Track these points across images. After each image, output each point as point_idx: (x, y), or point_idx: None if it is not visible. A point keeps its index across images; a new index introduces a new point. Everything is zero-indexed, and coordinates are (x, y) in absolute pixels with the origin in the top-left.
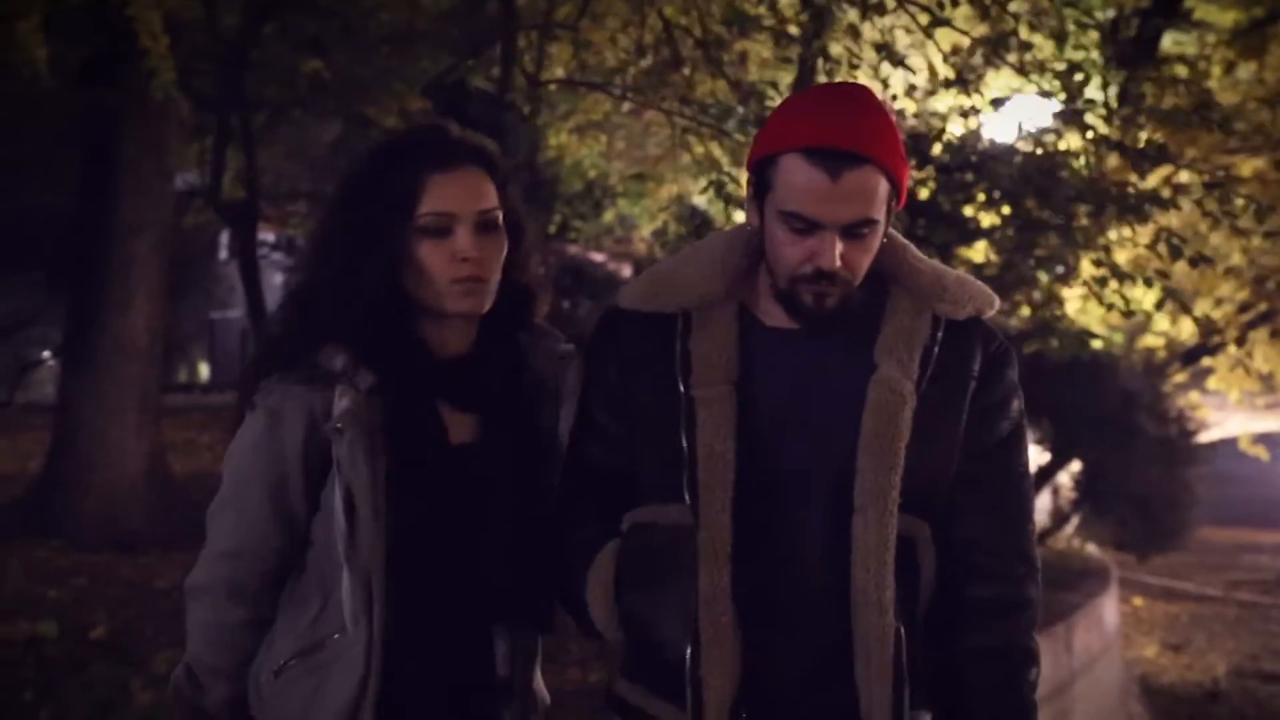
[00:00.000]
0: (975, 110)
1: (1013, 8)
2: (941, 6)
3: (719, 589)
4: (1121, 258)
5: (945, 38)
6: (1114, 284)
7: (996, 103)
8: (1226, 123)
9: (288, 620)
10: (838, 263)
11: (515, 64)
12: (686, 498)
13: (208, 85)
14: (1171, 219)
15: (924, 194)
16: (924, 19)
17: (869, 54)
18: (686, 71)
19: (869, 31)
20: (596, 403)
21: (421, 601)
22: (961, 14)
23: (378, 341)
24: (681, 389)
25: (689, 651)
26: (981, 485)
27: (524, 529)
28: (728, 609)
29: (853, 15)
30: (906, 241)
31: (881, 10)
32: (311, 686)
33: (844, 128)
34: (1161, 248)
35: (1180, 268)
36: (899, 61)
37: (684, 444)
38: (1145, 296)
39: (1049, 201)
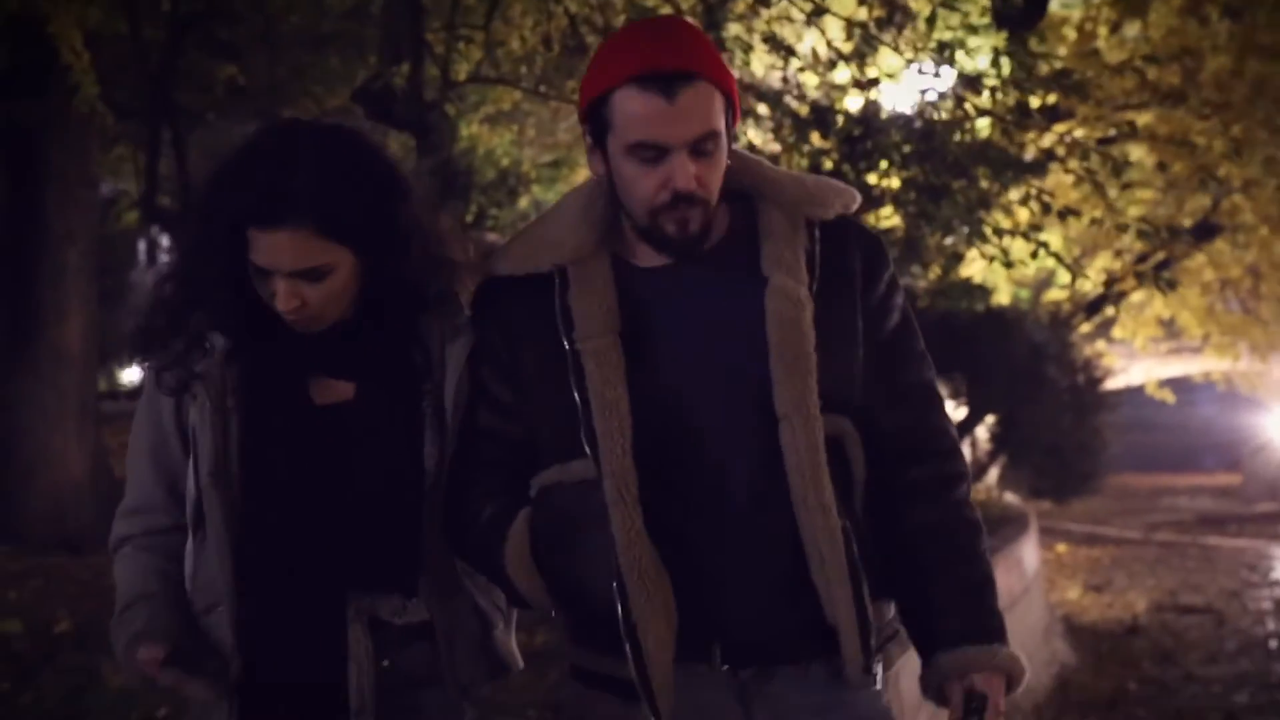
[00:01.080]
0: (874, 82)
1: None
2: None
3: (634, 532)
4: (1022, 216)
5: (834, 19)
6: (996, 240)
7: (891, 75)
8: (1080, 88)
9: (191, 586)
10: (684, 183)
11: (424, 65)
12: (587, 451)
13: (127, 95)
14: (1066, 175)
15: (828, 164)
16: (807, 7)
17: (759, 42)
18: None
19: (759, 22)
20: (487, 374)
21: (277, 565)
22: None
23: (234, 310)
24: (566, 345)
25: (618, 599)
26: (889, 374)
27: (388, 489)
28: (646, 550)
29: (743, 5)
30: (759, 156)
31: (767, 3)
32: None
33: (668, 49)
34: (1033, 204)
35: (1075, 222)
36: (787, 49)
37: (576, 398)
38: (1027, 251)
39: (944, 167)
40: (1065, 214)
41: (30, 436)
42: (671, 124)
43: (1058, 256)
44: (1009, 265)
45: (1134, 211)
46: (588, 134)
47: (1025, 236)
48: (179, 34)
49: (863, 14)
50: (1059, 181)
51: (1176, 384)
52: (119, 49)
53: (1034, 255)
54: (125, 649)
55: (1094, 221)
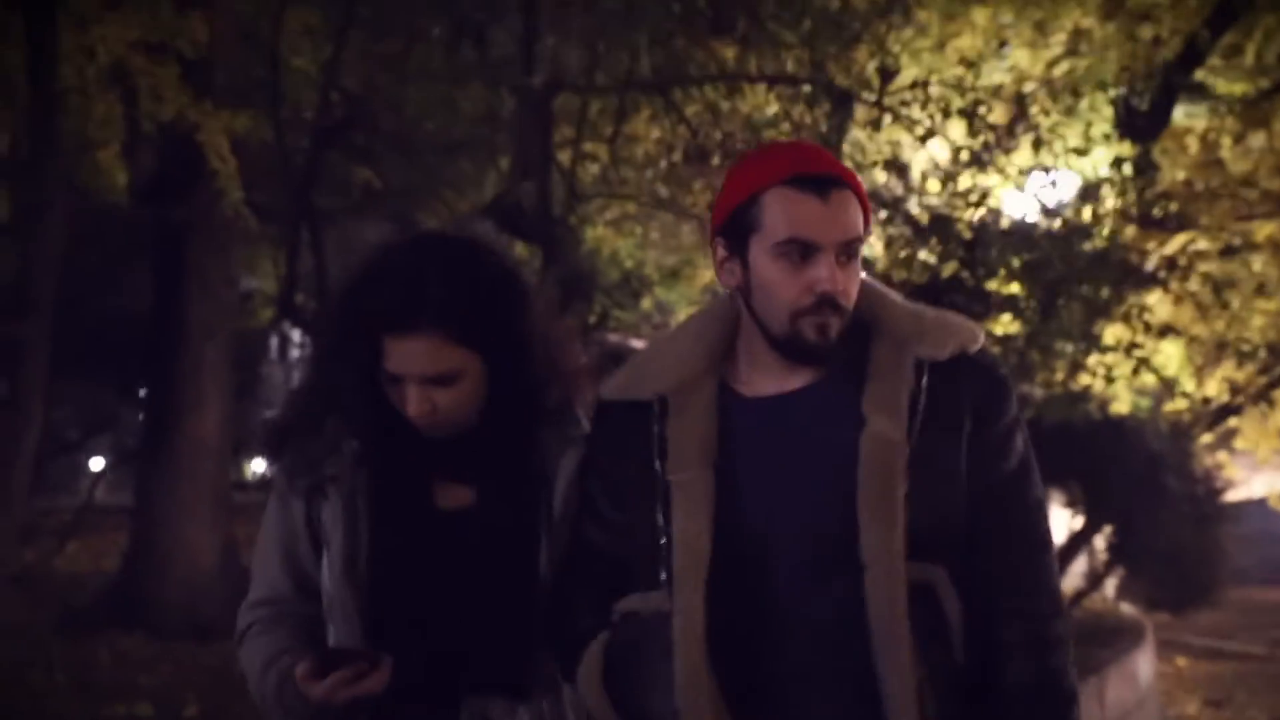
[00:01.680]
0: (984, 196)
1: (1028, 89)
2: (932, 118)
3: (694, 669)
4: (1127, 333)
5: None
6: (1099, 356)
7: (1011, 182)
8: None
9: None
10: (830, 284)
11: (550, 181)
12: (664, 583)
13: (266, 197)
14: (1190, 285)
15: (947, 270)
16: (919, 131)
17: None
18: (710, 176)
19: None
20: (596, 489)
21: (399, 664)
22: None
23: (366, 414)
24: (658, 473)
25: None
26: (996, 523)
27: (506, 595)
28: (706, 688)
29: (858, 129)
30: (883, 286)
31: (878, 126)
32: None
33: (818, 157)
34: (1135, 321)
35: (1200, 329)
36: (899, 168)
37: (661, 528)
38: (1170, 357)
39: (1062, 275)
40: (1165, 332)
41: (166, 526)
42: (825, 223)
43: (1158, 373)
44: (1110, 380)
45: (1257, 322)
46: (723, 246)
47: (1128, 352)
48: (322, 142)
49: (974, 140)
50: (1178, 293)
51: None
52: (260, 153)
53: (1135, 372)
54: (278, 692)
55: (1192, 339)
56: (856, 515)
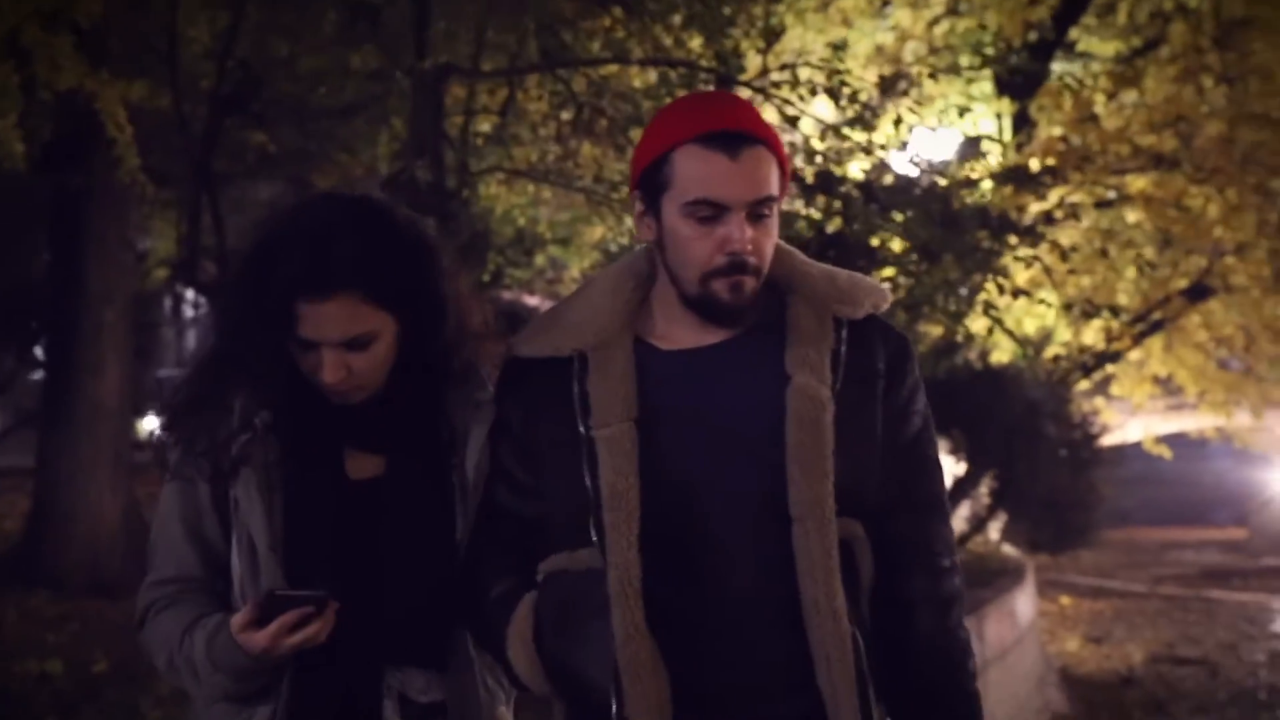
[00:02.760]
0: (883, 147)
1: (909, 48)
2: (801, 98)
3: (633, 626)
4: (1021, 279)
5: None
6: (997, 296)
7: (890, 145)
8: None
9: None
10: (741, 243)
11: (444, 158)
12: (595, 539)
13: (161, 160)
14: (1066, 238)
15: (834, 225)
16: (790, 111)
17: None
18: (598, 152)
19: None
20: (506, 452)
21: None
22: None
23: (274, 385)
24: (582, 430)
25: (613, 693)
26: (902, 481)
27: (423, 565)
28: (645, 644)
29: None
30: (793, 248)
31: (765, 94)
32: None
33: (733, 113)
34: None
35: (1074, 283)
36: (791, 120)
37: (588, 485)
38: (1044, 313)
39: (948, 229)
40: (1022, 293)
41: (68, 487)
42: (733, 183)
43: (1011, 334)
44: (991, 332)
45: (1130, 273)
46: (639, 200)
47: (1026, 295)
48: (219, 111)
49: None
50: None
51: (1189, 439)
52: (156, 118)
53: (990, 331)
54: (207, 650)
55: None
56: (785, 470)
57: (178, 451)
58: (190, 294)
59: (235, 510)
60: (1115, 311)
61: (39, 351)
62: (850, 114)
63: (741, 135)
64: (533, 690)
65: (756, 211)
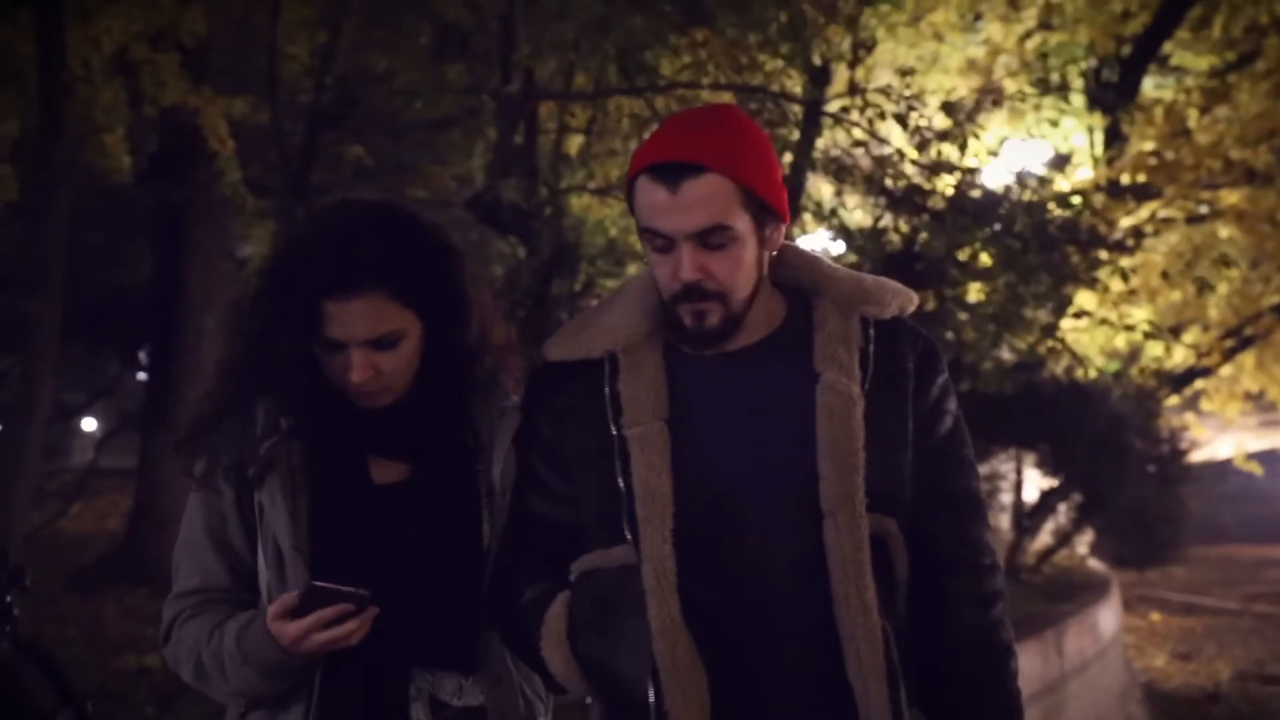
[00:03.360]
0: (970, 171)
1: (1001, 61)
2: (871, 122)
3: (670, 619)
4: (1115, 288)
5: (936, 91)
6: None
7: (992, 152)
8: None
9: None
10: (691, 273)
11: (533, 179)
12: (628, 537)
13: (261, 173)
14: (1158, 251)
15: (923, 238)
16: (858, 134)
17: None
18: None
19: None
20: (535, 458)
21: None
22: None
23: (297, 389)
24: (614, 430)
25: (651, 688)
26: (936, 479)
27: (447, 569)
28: (683, 639)
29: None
30: (817, 254)
31: (837, 120)
32: None
33: (682, 142)
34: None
35: (1166, 298)
36: (879, 139)
37: (620, 484)
38: (1142, 323)
39: (1038, 242)
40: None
41: (169, 489)
42: (673, 215)
43: (1148, 333)
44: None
45: (1222, 289)
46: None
47: (1106, 322)
48: (317, 127)
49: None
50: (1146, 260)
51: (1264, 455)
52: (255, 131)
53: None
54: (237, 645)
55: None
56: (816, 465)
57: (203, 462)
58: None
59: (261, 516)
60: (1205, 327)
61: (142, 356)
62: (942, 127)
63: (683, 166)
64: (569, 690)
65: (706, 240)
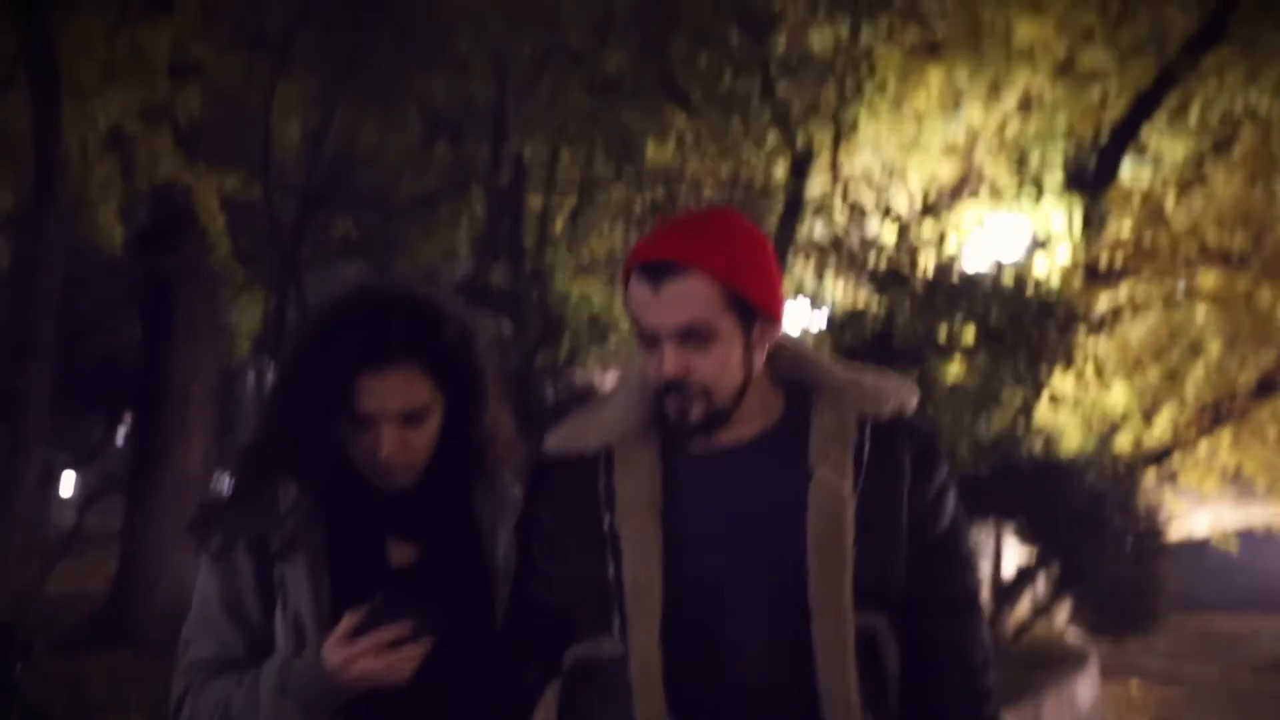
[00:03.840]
0: (943, 245)
1: (982, 144)
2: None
3: (655, 713)
4: (1091, 369)
5: (918, 172)
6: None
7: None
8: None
9: None
10: (674, 370)
11: (520, 264)
12: (617, 629)
13: (250, 244)
14: (1135, 332)
15: (901, 317)
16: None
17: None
18: None
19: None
20: (535, 546)
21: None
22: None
23: (320, 473)
24: (606, 524)
25: None
26: (931, 579)
27: (469, 650)
28: None
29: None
30: (818, 353)
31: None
32: None
33: (670, 242)
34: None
35: (1142, 379)
36: (860, 211)
37: (610, 578)
38: (1119, 401)
39: (1017, 321)
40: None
41: (152, 552)
42: (654, 312)
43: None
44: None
45: (1199, 370)
46: None
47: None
48: (309, 206)
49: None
50: (1123, 340)
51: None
52: (245, 204)
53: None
54: (279, 680)
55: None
56: (805, 563)
57: (220, 537)
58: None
59: (282, 590)
60: (1183, 404)
61: (126, 421)
62: (895, 229)
63: (668, 266)
64: None
65: (688, 338)
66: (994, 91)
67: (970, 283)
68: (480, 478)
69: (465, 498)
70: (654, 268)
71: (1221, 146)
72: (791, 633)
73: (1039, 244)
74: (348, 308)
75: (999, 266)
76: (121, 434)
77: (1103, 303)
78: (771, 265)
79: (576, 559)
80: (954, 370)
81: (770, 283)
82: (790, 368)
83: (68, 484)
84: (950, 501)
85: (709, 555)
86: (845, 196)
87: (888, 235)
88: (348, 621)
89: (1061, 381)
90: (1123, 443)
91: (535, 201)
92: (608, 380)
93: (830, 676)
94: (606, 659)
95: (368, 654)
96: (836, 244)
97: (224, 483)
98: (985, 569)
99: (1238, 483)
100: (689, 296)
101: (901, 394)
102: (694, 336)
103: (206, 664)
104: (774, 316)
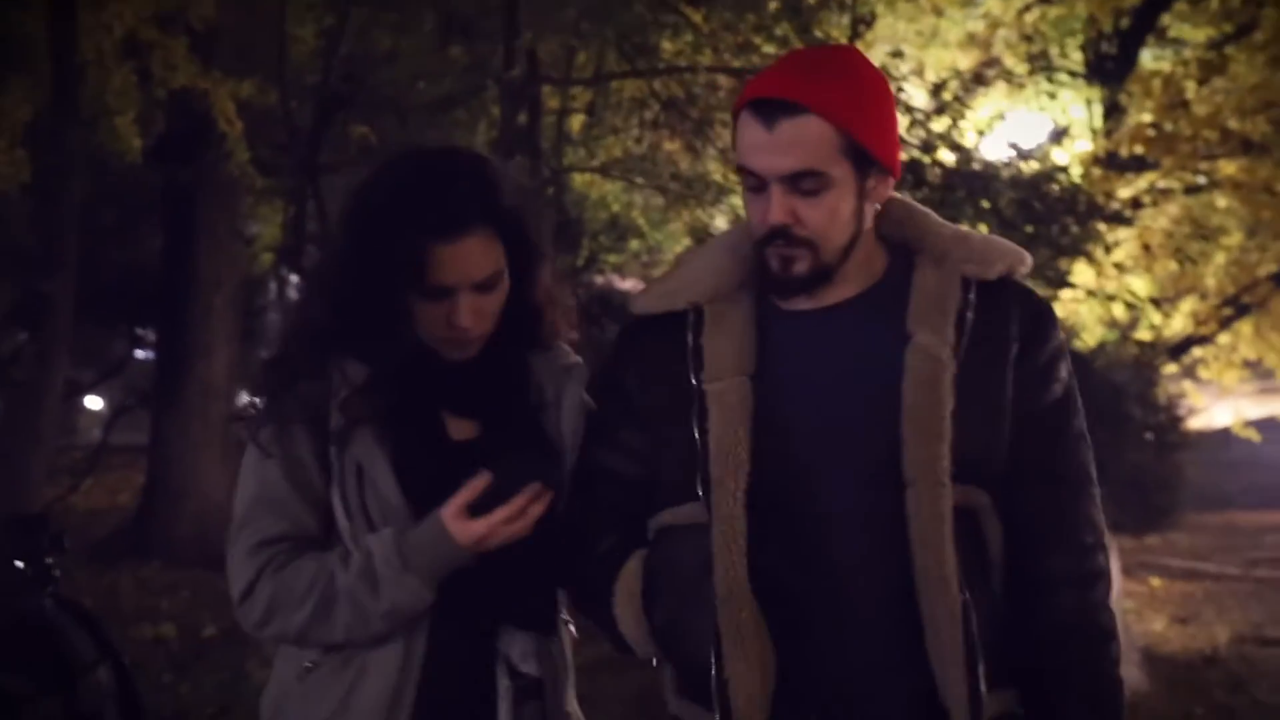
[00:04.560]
0: (957, 147)
1: (1000, 35)
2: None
3: (735, 583)
4: (1114, 258)
5: (935, 66)
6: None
7: (985, 126)
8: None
9: None
10: (780, 216)
11: (536, 161)
12: (700, 495)
13: (269, 153)
14: (1157, 222)
15: None
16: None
17: None
18: (675, 149)
19: None
20: (613, 412)
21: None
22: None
23: (393, 349)
24: (694, 383)
25: (713, 652)
26: (1039, 452)
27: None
28: (747, 604)
29: None
30: (926, 209)
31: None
32: (344, 687)
33: (788, 80)
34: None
35: (1163, 267)
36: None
37: (697, 439)
38: (1139, 292)
39: (1036, 215)
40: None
41: (180, 464)
42: (765, 154)
43: (1134, 304)
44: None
45: (1220, 258)
46: None
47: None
48: (326, 110)
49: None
50: (1145, 229)
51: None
52: (262, 111)
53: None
54: (398, 550)
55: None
56: (900, 431)
57: (271, 428)
58: (295, 278)
59: (352, 473)
60: (1203, 295)
61: (150, 334)
62: (945, 97)
63: (782, 104)
64: (636, 651)
65: (798, 185)
66: None
67: (989, 174)
68: (539, 347)
69: (525, 368)
70: (768, 105)
71: (1243, 31)
72: (886, 505)
73: (1059, 134)
74: (408, 174)
75: (1018, 158)
76: (145, 348)
77: (1123, 193)
78: (893, 113)
79: (661, 421)
80: None
81: (890, 132)
82: (896, 224)
83: (94, 403)
84: (1062, 370)
85: (800, 421)
86: None
87: (905, 129)
88: (461, 499)
89: (1081, 273)
90: (1142, 335)
91: (553, 103)
92: (627, 288)
93: (925, 553)
94: (687, 526)
95: (501, 524)
96: None
97: (260, 381)
98: None
99: (1259, 377)
100: (803, 139)
101: (1011, 256)
102: (805, 183)
103: (278, 542)
104: (890, 168)
